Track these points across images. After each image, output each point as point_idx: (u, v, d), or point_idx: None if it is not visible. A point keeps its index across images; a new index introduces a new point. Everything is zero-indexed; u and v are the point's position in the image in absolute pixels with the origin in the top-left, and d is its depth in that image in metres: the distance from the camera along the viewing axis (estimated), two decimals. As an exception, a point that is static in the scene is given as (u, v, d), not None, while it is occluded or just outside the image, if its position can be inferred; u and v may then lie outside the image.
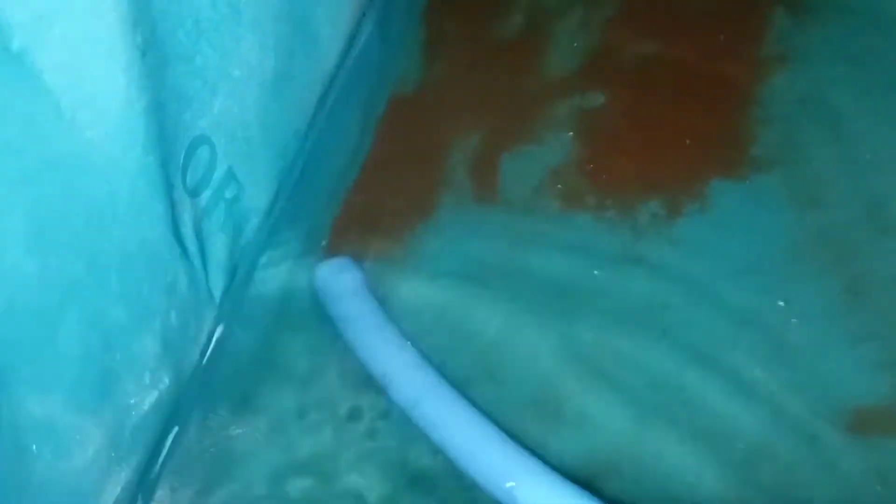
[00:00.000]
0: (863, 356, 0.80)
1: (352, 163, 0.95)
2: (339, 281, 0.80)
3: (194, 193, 0.70)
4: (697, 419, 0.75)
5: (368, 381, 0.77)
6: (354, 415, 0.77)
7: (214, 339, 0.78)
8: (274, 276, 0.86)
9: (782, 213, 0.88)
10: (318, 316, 0.83)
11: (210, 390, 0.79)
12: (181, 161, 0.67)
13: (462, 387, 0.74)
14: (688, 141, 0.94)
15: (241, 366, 0.81)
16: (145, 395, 0.69)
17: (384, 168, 0.95)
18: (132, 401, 0.67)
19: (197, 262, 0.72)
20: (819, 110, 0.95)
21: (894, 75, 0.96)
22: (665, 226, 0.88)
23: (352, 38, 0.93)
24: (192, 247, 0.71)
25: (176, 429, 0.74)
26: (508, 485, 0.65)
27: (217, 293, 0.77)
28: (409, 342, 0.78)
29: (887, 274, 0.85)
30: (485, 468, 0.67)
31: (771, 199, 0.89)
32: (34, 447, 0.56)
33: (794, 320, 0.83)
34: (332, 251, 0.87)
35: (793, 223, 0.88)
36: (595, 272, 0.85)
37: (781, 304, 0.83)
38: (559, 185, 0.92)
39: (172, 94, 0.64)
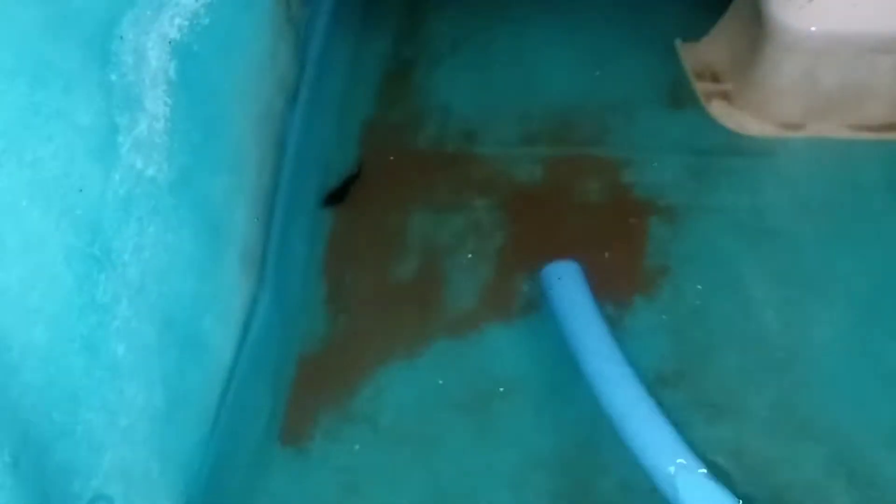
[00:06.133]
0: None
1: (266, 437, 0.96)
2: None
3: (95, 551, 0.70)
4: None
5: None
6: None
7: None
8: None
9: (690, 427, 0.90)
10: None
11: None
12: (77, 528, 0.67)
13: None
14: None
15: None
16: None
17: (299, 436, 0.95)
18: None
19: None
20: (707, 318, 0.99)
21: (768, 271, 1.01)
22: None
23: (246, 326, 0.94)
24: None
25: None
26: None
27: None
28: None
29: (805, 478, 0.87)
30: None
31: (677, 413, 0.91)
32: None
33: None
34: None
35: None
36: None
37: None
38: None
39: (57, 472, 0.64)
